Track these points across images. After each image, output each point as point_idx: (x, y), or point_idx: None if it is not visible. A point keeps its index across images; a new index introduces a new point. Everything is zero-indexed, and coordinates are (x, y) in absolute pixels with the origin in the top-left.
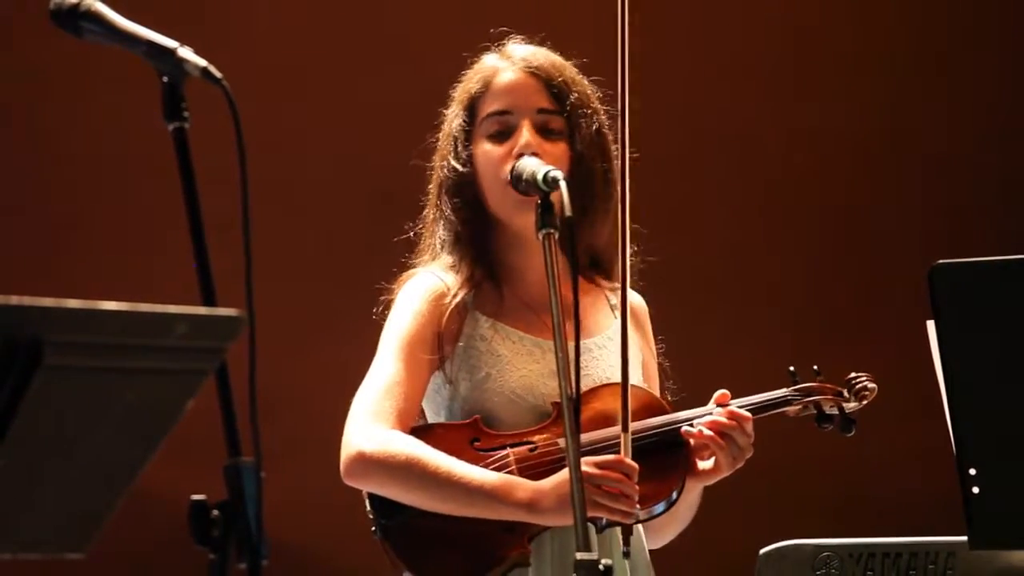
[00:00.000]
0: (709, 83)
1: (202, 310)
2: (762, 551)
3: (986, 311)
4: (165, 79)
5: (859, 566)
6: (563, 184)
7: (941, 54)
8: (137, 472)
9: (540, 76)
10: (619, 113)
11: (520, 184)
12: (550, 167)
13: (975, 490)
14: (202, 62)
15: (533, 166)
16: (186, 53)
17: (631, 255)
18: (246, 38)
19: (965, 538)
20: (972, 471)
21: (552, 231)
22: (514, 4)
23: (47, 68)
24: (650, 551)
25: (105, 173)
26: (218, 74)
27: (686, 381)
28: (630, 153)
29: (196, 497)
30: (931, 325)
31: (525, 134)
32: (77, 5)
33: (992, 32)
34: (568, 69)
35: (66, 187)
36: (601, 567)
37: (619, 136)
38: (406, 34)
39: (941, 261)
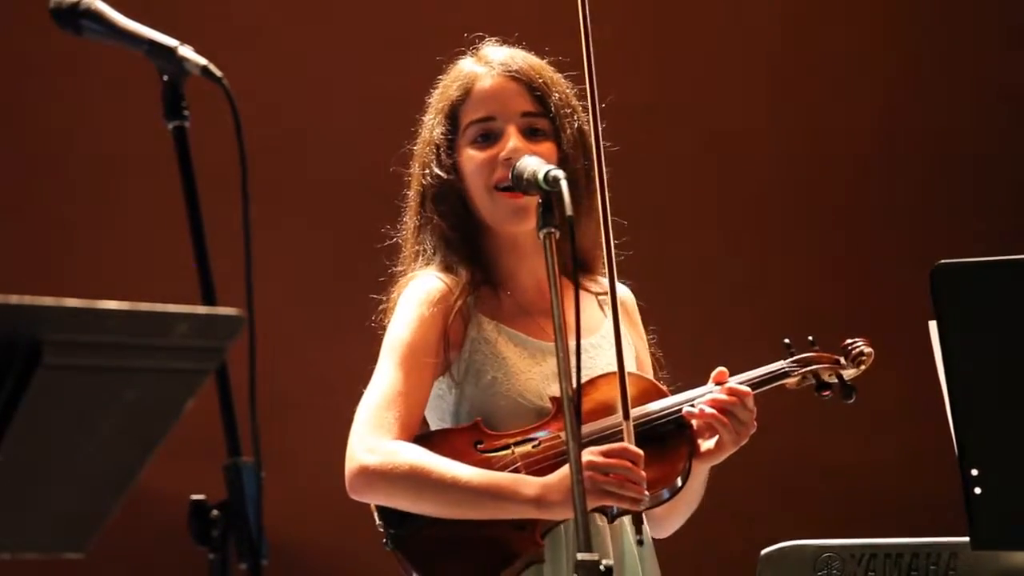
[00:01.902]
0: (706, 80)
1: (202, 310)
2: (763, 552)
3: (988, 311)
4: (165, 78)
5: (861, 567)
6: (564, 183)
7: (940, 53)
8: (137, 472)
9: (521, 80)
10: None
11: (521, 183)
12: (551, 166)
13: (977, 490)
14: (202, 61)
15: (534, 165)
16: (186, 52)
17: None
18: (246, 38)
19: (967, 539)
20: (974, 471)
21: (554, 230)
22: (515, 4)
23: (46, 67)
24: (655, 547)
25: (105, 173)
26: (218, 73)
27: (683, 381)
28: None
29: (196, 497)
30: (933, 325)
31: (512, 140)
32: (77, 3)
33: (993, 32)
34: (546, 70)
35: (65, 187)
36: (602, 567)
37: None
38: (409, 33)
39: (943, 261)
